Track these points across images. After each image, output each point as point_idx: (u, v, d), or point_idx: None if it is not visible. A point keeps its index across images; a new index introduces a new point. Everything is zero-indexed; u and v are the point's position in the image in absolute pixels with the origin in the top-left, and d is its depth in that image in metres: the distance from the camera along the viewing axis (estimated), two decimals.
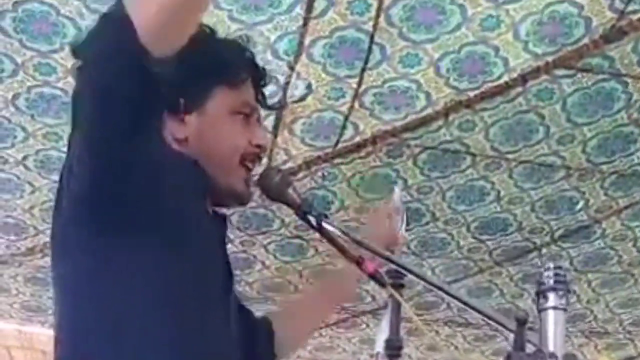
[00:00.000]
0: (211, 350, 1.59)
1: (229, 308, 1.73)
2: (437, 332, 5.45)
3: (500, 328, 1.58)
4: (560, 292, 1.36)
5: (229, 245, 1.82)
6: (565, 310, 1.37)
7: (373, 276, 1.78)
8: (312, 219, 1.74)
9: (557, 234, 4.55)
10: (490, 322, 1.58)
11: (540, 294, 1.37)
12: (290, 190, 1.78)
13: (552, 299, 1.36)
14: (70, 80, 3.51)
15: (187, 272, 1.57)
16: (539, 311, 1.38)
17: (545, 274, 1.36)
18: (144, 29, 1.44)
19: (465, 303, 1.69)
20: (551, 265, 1.37)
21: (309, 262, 4.77)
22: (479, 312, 1.63)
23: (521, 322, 1.34)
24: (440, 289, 1.79)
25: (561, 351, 1.35)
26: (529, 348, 1.36)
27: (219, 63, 1.82)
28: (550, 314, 1.36)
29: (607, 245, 4.65)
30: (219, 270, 1.72)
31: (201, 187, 1.72)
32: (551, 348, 1.35)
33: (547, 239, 4.59)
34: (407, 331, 5.46)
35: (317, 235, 1.78)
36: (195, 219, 1.68)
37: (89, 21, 3.25)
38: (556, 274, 1.36)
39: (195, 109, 1.75)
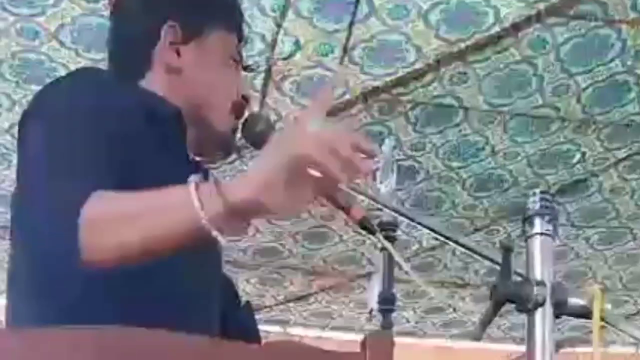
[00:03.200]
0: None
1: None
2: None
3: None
4: (547, 217, 1.31)
5: None
6: (552, 237, 1.32)
7: (361, 223, 1.70)
8: None
9: (553, 189, 4.50)
10: (476, 256, 1.53)
11: (526, 221, 1.32)
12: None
13: (538, 224, 1.31)
14: (55, 44, 3.48)
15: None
16: (526, 239, 1.33)
17: (531, 199, 1.31)
18: (88, 260, 1.29)
19: (447, 237, 1.63)
20: (537, 190, 1.32)
21: (303, 226, 4.73)
22: (464, 246, 1.58)
23: (506, 249, 1.30)
24: (435, 232, 1.72)
25: (549, 279, 1.30)
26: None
27: (219, 2, 1.79)
28: (537, 239, 1.31)
29: (604, 199, 4.60)
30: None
31: (182, 141, 1.66)
32: (538, 276, 1.30)
33: None
34: (405, 293, 5.48)
35: None
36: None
37: None
38: (542, 199, 1.32)
39: (193, 41, 1.71)
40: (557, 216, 1.32)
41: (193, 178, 1.26)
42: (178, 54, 1.70)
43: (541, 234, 1.31)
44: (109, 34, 1.81)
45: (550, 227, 1.32)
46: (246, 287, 5.39)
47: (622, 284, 5.46)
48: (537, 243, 1.31)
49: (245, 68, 1.84)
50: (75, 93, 1.52)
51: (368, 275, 5.22)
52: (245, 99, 1.78)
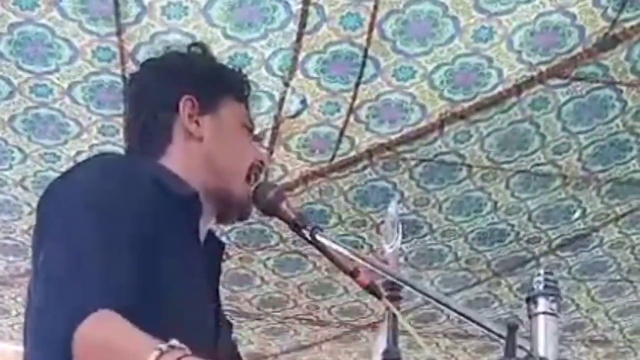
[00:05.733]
0: None
1: None
2: (437, 344, 5.45)
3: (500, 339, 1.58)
4: (551, 297, 1.37)
5: (227, 262, 1.81)
6: (556, 315, 1.37)
7: (368, 288, 1.76)
8: (306, 232, 1.74)
9: (554, 243, 4.56)
10: (485, 331, 1.58)
11: (531, 300, 1.38)
12: (284, 205, 1.78)
13: (542, 304, 1.37)
14: (67, 101, 3.54)
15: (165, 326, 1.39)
16: (530, 317, 1.38)
17: (536, 279, 1.37)
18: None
19: (460, 313, 1.68)
20: (541, 271, 1.38)
21: (308, 277, 4.78)
22: (473, 321, 1.63)
23: (512, 329, 1.35)
24: (435, 300, 1.78)
25: (553, 356, 1.35)
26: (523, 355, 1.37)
27: (228, 75, 1.87)
28: (541, 319, 1.36)
29: (605, 253, 4.66)
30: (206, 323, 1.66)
31: (196, 224, 1.70)
32: (542, 353, 1.35)
33: (545, 248, 4.60)
34: (407, 344, 5.49)
35: (315, 249, 1.78)
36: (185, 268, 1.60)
37: (84, 42, 3.28)
38: (546, 279, 1.37)
39: (209, 112, 1.78)
40: (560, 295, 1.38)
41: (162, 346, 1.28)
42: (197, 123, 1.76)
43: (544, 313, 1.37)
44: (129, 103, 1.88)
45: (554, 307, 1.37)
46: (251, 337, 5.42)
47: (623, 336, 5.49)
48: (541, 321, 1.37)
49: (254, 137, 1.90)
50: (93, 183, 1.56)
51: (371, 326, 5.26)
52: (262, 162, 1.85)
